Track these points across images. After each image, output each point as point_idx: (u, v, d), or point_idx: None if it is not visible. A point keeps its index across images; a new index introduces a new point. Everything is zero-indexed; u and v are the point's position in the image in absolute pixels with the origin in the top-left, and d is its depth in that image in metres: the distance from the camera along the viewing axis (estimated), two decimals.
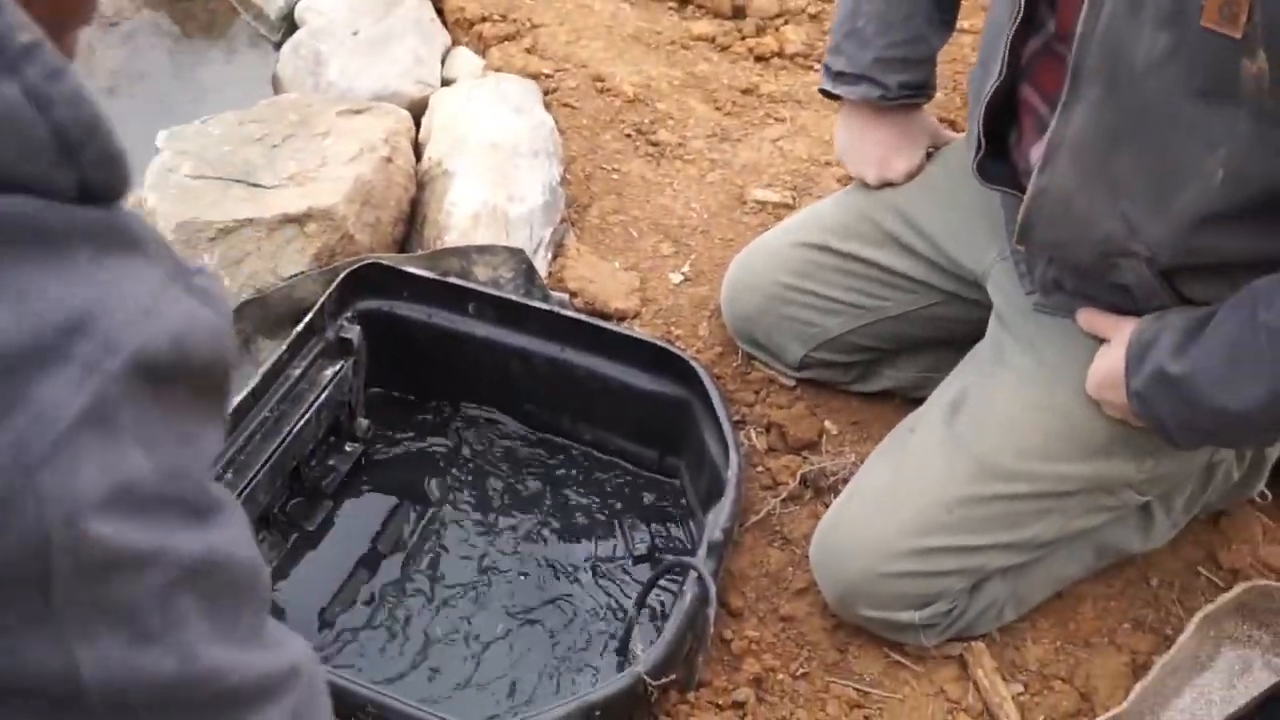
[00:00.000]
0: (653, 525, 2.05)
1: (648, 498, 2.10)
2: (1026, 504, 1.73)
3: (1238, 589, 1.80)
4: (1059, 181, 1.60)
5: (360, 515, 2.12)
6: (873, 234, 1.99)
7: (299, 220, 2.20)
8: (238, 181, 2.23)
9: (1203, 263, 1.57)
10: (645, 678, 1.68)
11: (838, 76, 1.94)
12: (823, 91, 2.03)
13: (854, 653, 1.83)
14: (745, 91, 2.68)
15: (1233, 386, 1.49)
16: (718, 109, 2.65)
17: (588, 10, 2.87)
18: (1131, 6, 1.43)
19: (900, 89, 1.89)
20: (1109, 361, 1.62)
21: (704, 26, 2.89)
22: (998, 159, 1.72)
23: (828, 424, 2.06)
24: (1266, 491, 1.97)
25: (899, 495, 1.77)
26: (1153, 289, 1.60)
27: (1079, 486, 1.72)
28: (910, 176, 1.93)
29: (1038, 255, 1.72)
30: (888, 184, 1.95)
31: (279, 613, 1.94)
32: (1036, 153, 1.62)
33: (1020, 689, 1.79)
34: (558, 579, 2.00)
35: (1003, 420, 1.74)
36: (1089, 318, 1.67)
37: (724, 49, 2.84)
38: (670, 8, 2.98)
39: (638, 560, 1.99)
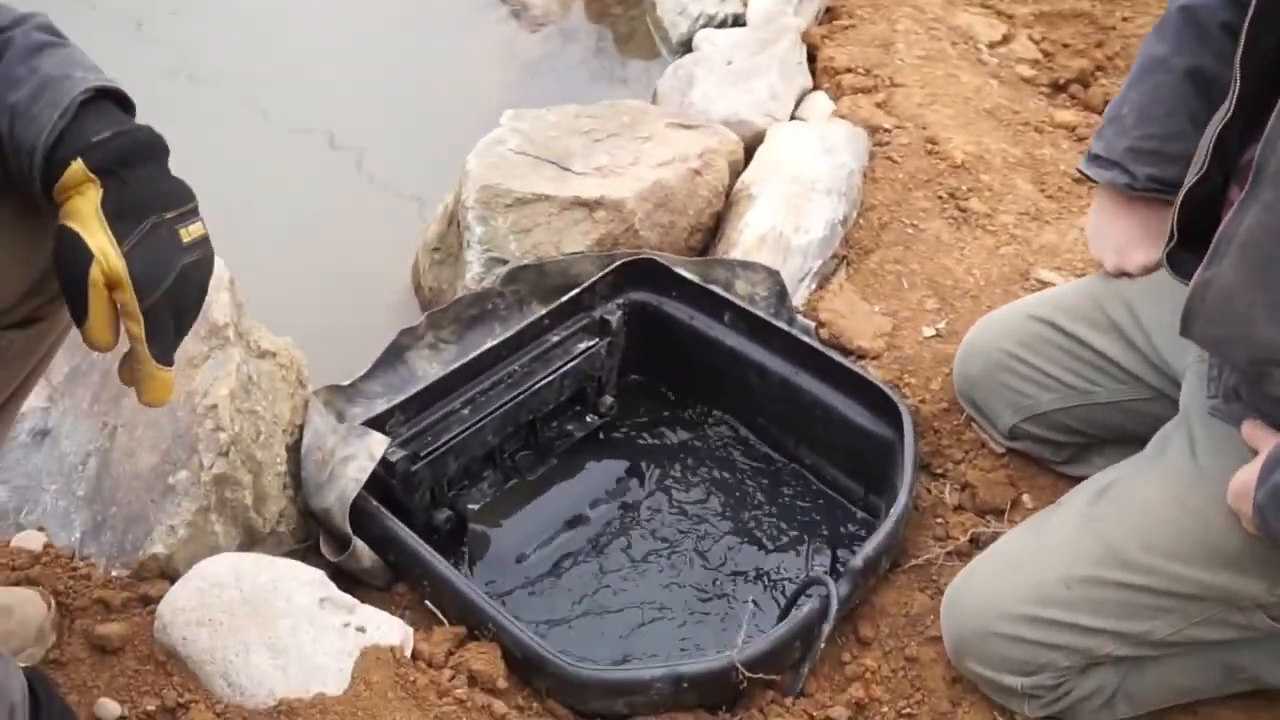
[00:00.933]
0: (837, 552, 2.14)
1: (840, 527, 2.18)
2: (1144, 597, 1.70)
3: None
4: (1223, 276, 1.58)
5: (579, 480, 2.31)
6: (1099, 319, 1.99)
7: (589, 205, 2.41)
8: (551, 163, 2.47)
9: None
10: (739, 664, 1.77)
11: (1094, 159, 1.96)
12: (1080, 171, 2.05)
13: (964, 709, 1.83)
14: (1078, 180, 2.68)
15: None
16: (1041, 190, 2.68)
17: (954, 80, 2.96)
18: None
19: (1148, 180, 1.88)
20: (1247, 473, 1.58)
21: (1069, 115, 2.92)
22: (1196, 254, 1.71)
23: (1025, 497, 2.07)
24: None
25: (1025, 563, 1.79)
26: None
27: (1202, 593, 1.68)
28: (1147, 270, 1.92)
29: (1210, 353, 1.70)
30: (1124, 274, 1.94)
31: (484, 543, 2.19)
32: None
33: None
34: (726, 576, 2.13)
35: (1139, 511, 1.72)
36: (1251, 429, 1.63)
37: (1081, 139, 2.85)
38: (1042, 92, 3.03)
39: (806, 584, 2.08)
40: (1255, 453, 1.60)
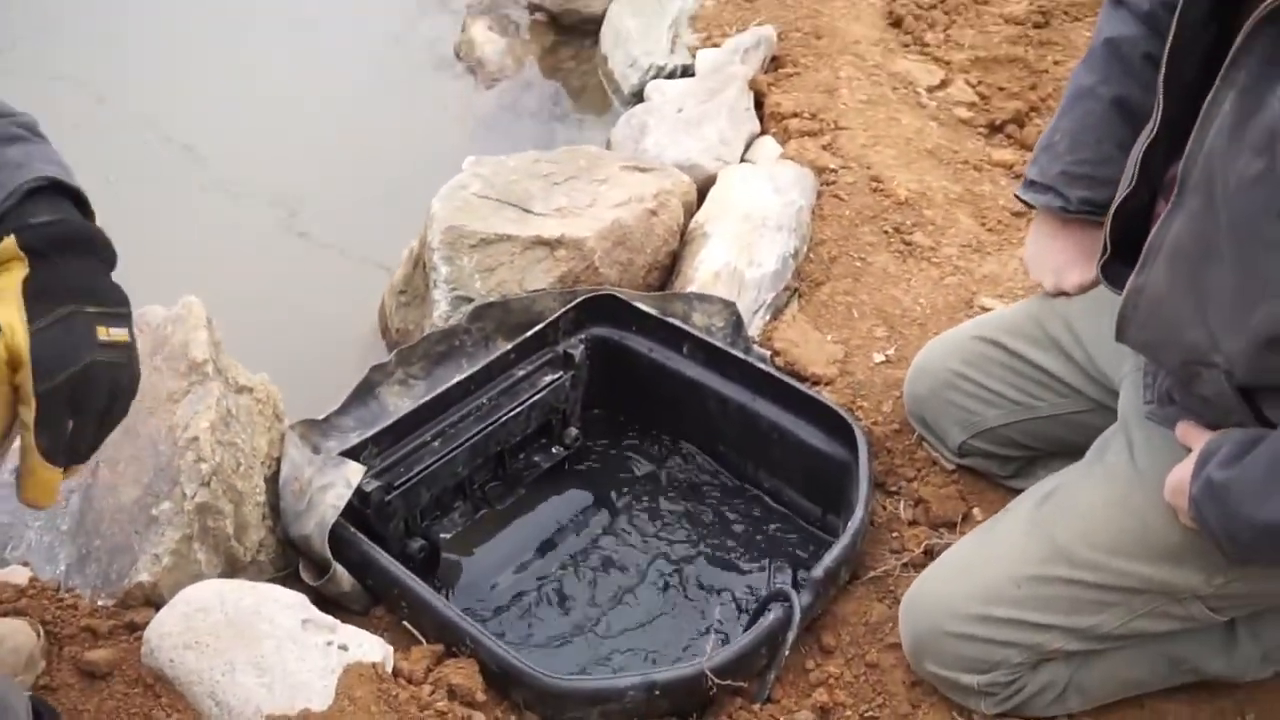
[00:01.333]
0: (798, 571, 2.18)
1: (800, 546, 2.24)
2: (1090, 592, 1.75)
3: None
4: (1153, 283, 1.65)
5: (547, 509, 2.36)
6: (1039, 337, 2.06)
7: (550, 245, 2.47)
8: (512, 205, 2.54)
9: (1275, 384, 1.57)
10: (708, 672, 1.81)
11: (1030, 185, 2.02)
12: (1017, 196, 2.13)
13: (924, 710, 1.88)
14: (1016, 214, 2.78)
15: (1263, 499, 1.50)
16: (982, 224, 2.76)
17: (895, 122, 3.05)
18: (1235, 130, 1.49)
19: (1080, 203, 1.94)
20: (1182, 470, 1.64)
21: (1006, 154, 3.02)
22: (1128, 264, 1.78)
23: (975, 510, 2.14)
24: None
25: (976, 566, 1.84)
26: (1232, 404, 1.61)
27: (1143, 586, 1.73)
28: (1083, 289, 1.98)
29: (1144, 356, 1.77)
30: (1062, 293, 1.99)
31: (456, 571, 2.23)
32: None
33: None
34: (693, 593, 2.18)
35: (1082, 511, 1.78)
36: (1184, 429, 1.69)
37: (1018, 176, 2.93)
38: (980, 133, 3.12)
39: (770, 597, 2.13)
40: (1189, 451, 1.65)
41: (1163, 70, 1.66)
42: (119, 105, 3.47)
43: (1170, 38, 1.64)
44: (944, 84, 3.26)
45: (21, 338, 1.29)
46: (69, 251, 1.36)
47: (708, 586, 2.20)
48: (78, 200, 1.45)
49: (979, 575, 1.83)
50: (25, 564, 1.95)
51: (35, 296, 1.32)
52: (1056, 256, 2.00)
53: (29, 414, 1.30)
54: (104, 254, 1.41)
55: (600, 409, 2.48)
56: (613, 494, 2.37)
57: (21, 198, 1.39)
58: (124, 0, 3.99)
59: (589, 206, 2.57)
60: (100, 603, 1.92)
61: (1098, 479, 1.81)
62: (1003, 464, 2.16)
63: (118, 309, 1.40)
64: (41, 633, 1.80)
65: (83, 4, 3.92)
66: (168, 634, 1.78)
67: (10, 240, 1.32)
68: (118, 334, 1.38)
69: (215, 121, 3.42)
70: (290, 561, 2.09)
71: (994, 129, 3.12)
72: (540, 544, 2.29)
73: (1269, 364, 1.55)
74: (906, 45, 3.40)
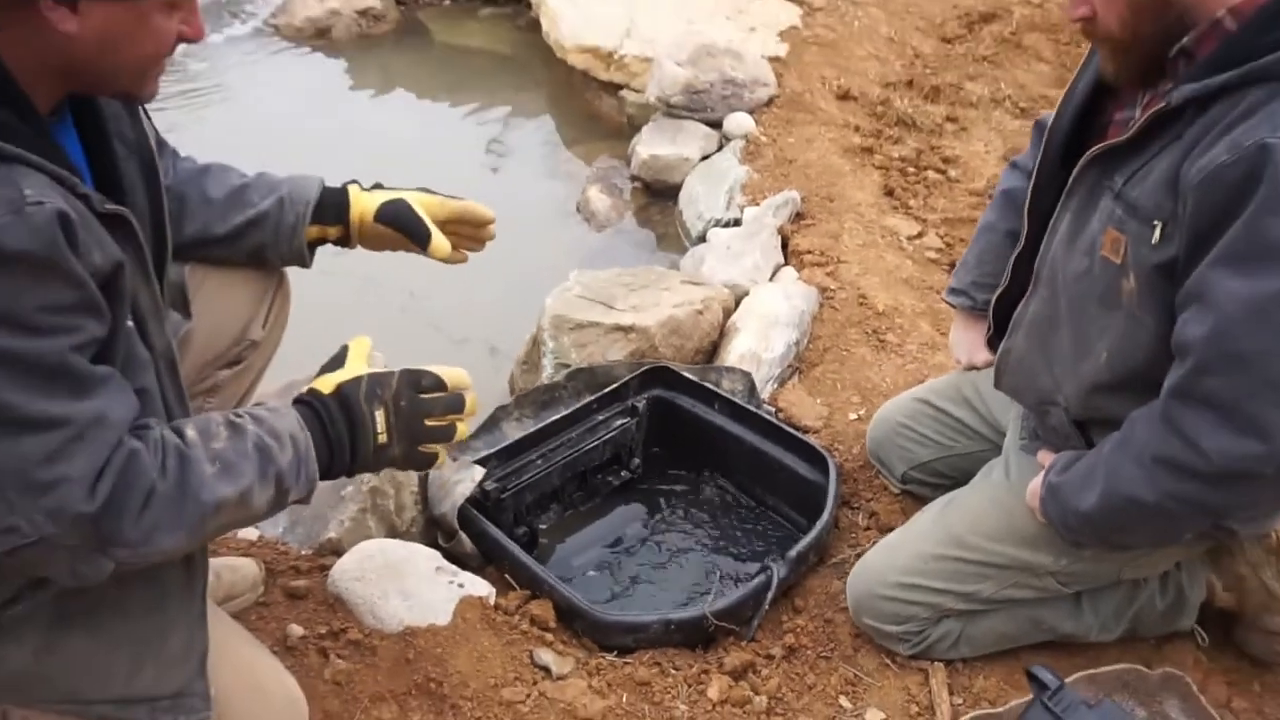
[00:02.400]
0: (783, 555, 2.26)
1: (785, 543, 2.25)
2: (974, 567, 1.84)
3: (1119, 666, 1.81)
4: (1017, 346, 1.77)
5: (615, 513, 2.45)
6: (957, 397, 2.16)
7: (625, 330, 2.59)
8: (601, 303, 2.67)
9: (1097, 418, 1.67)
10: (709, 614, 1.94)
11: (951, 291, 2.13)
12: (943, 299, 2.24)
13: (863, 652, 1.97)
14: None
15: (1081, 494, 1.62)
16: (937, 330, 2.84)
17: (881, 260, 3.14)
18: (1069, 238, 1.62)
19: (984, 303, 2.00)
20: (1036, 480, 1.75)
21: None
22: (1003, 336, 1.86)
23: None
24: (1204, 635, 1.94)
25: (897, 548, 1.94)
26: (1070, 432, 1.72)
27: (1011, 564, 1.81)
28: (987, 364, 2.02)
29: (1011, 398, 1.86)
30: (973, 367, 2.07)
31: (549, 551, 2.32)
32: None
33: (959, 701, 1.87)
34: (709, 567, 2.28)
35: (971, 510, 1.88)
36: (1042, 454, 1.80)
37: None
38: (943, 269, 3.18)
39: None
40: (1044, 468, 1.76)
41: (1028, 202, 1.77)
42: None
43: (1032, 180, 1.76)
44: (920, 234, 3.31)
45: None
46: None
47: (719, 564, 2.28)
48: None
49: (899, 555, 1.91)
50: (255, 527, 2.10)
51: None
52: (969, 341, 2.08)
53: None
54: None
55: (656, 447, 2.52)
56: (660, 504, 2.44)
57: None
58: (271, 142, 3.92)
59: (654, 306, 2.66)
60: (303, 551, 2.06)
61: (984, 489, 1.90)
62: (933, 490, 2.19)
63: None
64: (262, 567, 1.94)
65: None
66: (345, 571, 1.93)
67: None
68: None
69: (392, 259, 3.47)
70: (431, 532, 2.20)
71: (953, 266, 3.17)
72: (609, 538, 2.36)
73: (1094, 403, 1.65)
74: (895, 208, 3.44)
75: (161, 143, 1.58)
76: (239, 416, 1.35)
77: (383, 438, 1.42)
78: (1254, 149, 1.33)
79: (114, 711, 1.38)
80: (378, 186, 1.76)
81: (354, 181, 1.76)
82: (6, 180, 1.09)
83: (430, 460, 1.48)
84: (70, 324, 1.15)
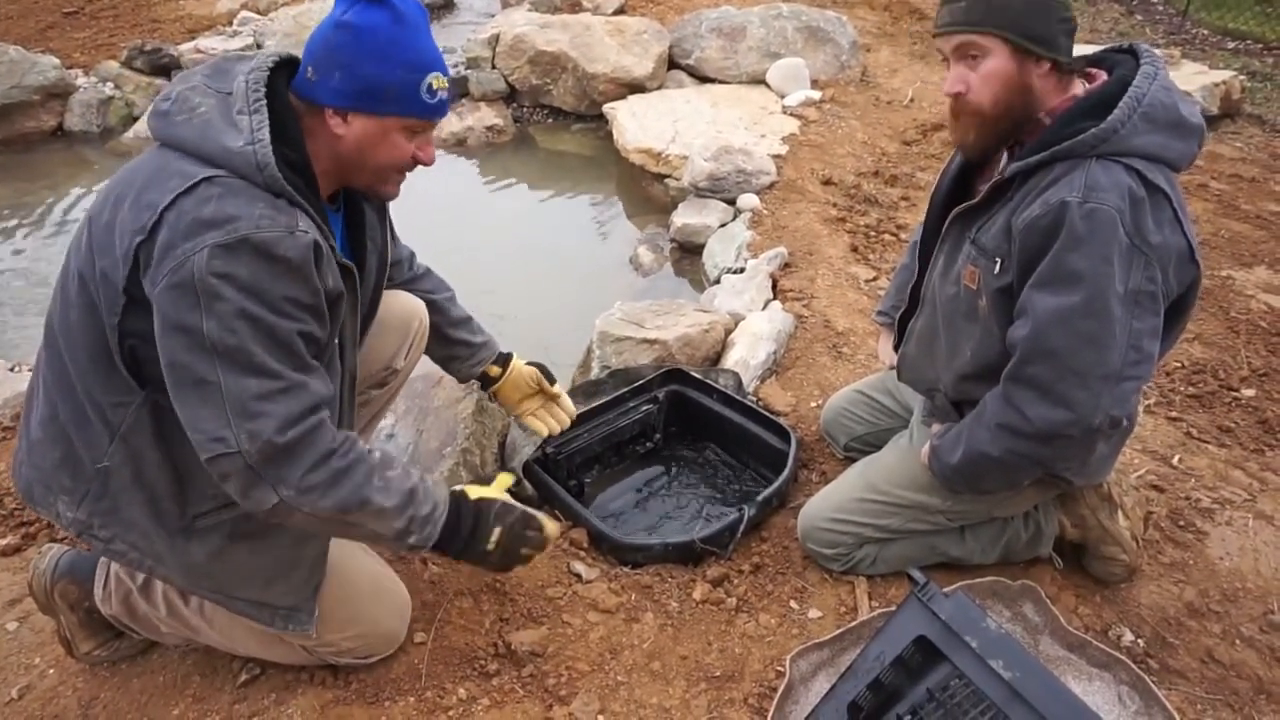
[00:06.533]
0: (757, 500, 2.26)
1: (758, 492, 2.28)
2: (884, 508, 1.83)
3: (989, 578, 1.79)
4: (910, 350, 1.78)
5: (642, 470, 2.44)
6: (883, 388, 2.15)
7: (650, 342, 2.60)
8: (634, 324, 2.68)
9: (967, 399, 1.67)
10: (697, 540, 1.94)
11: (878, 312, 2.13)
12: (872, 319, 2.25)
13: (810, 571, 1.96)
14: None
15: (951, 452, 1.61)
16: None
17: (844, 296, 3.08)
18: (944, 271, 1.62)
19: (898, 322, 1.99)
20: (927, 445, 1.75)
21: None
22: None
23: None
24: (1059, 560, 1.91)
25: (831, 493, 1.93)
26: (949, 411, 1.72)
27: (911, 505, 1.81)
28: None
29: (910, 386, 1.84)
30: (893, 367, 2.01)
31: (592, 498, 2.32)
32: None
33: (878, 604, 1.85)
34: (703, 509, 2.27)
35: (885, 466, 1.87)
36: (935, 427, 1.80)
37: None
38: None
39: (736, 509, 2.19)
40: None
41: (919, 247, 1.78)
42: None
43: (922, 228, 1.78)
44: (875, 278, 3.26)
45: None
46: None
47: (709, 508, 2.27)
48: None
49: (832, 498, 1.90)
50: None
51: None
52: (889, 349, 2.06)
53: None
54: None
55: (672, 426, 2.51)
56: (673, 468, 2.43)
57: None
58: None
59: (674, 326, 2.67)
60: None
61: (894, 451, 1.89)
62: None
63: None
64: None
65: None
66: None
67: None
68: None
69: (487, 304, 3.35)
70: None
71: None
72: (635, 487, 2.36)
73: (963, 389, 1.65)
74: (858, 260, 3.40)
75: (395, 237, 1.67)
76: (415, 469, 1.40)
77: (491, 546, 1.44)
78: (1058, 205, 1.35)
79: (247, 609, 1.41)
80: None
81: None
82: (290, 214, 1.16)
83: (507, 570, 1.49)
84: (302, 317, 1.19)
